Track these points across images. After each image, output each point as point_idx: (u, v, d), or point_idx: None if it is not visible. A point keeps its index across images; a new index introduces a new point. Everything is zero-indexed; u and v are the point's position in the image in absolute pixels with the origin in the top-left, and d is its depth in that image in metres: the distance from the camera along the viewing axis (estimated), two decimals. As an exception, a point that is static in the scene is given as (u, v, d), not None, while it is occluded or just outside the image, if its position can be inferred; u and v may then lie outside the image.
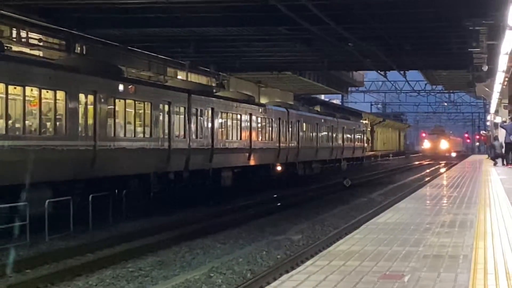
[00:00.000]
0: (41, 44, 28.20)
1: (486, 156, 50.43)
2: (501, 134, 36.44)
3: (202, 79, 42.25)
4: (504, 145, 34.24)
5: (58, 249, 18.56)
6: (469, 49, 30.15)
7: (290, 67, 45.43)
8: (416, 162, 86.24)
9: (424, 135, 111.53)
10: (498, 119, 47.36)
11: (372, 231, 10.87)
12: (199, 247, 19.81)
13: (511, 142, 32.19)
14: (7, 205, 18.93)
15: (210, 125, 32.54)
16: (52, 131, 22.01)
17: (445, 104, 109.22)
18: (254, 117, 38.11)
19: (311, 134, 49.10)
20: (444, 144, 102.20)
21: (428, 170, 61.50)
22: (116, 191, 24.50)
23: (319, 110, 58.59)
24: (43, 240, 19.67)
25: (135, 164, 26.01)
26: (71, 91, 22.58)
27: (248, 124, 37.36)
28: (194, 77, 41.39)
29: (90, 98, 23.62)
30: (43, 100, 21.41)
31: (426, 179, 42.83)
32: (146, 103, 27.07)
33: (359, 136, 65.03)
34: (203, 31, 31.19)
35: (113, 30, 30.63)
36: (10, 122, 20.31)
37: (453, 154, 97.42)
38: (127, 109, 26.01)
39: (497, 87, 35.14)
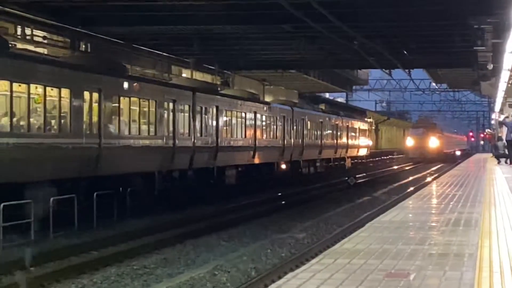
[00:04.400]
0: (45, 41, 28.21)
1: (491, 154, 50.40)
2: (504, 132, 36.35)
3: (207, 77, 42.24)
4: (506, 143, 34.16)
5: (63, 247, 18.56)
6: (474, 48, 30.06)
7: (295, 65, 45.42)
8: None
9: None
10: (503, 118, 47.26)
11: (377, 230, 10.85)
12: (204, 245, 19.81)
13: None
14: (12, 202, 18.93)
15: (214, 123, 32.53)
16: (57, 129, 22.02)
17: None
18: (258, 115, 38.08)
19: (315, 132, 49.06)
20: (433, 142, 79.87)
21: (433, 168, 61.40)
22: (121, 189, 24.51)
23: (323, 108, 58.54)
24: (47, 238, 19.69)
25: (139, 162, 26.00)
26: (76, 88, 22.59)
27: (253, 122, 37.34)
28: (198, 75, 41.40)
29: (95, 96, 23.62)
30: (47, 98, 21.41)
31: (431, 177, 42.78)
32: (150, 101, 27.07)
33: (364, 135, 64.97)
34: (208, 29, 31.20)
35: (118, 28, 30.65)
36: (14, 119, 20.31)
37: (458, 153, 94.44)
38: (131, 107, 26.01)
39: (502, 85, 35.05)
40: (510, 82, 34.93)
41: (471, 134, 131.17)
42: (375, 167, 67.51)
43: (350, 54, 37.74)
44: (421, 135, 79.76)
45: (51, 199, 20.42)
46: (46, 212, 19.98)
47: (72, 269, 16.10)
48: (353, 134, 60.32)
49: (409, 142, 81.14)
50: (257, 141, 37.53)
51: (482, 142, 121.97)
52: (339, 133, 55.34)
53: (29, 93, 20.56)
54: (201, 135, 31.05)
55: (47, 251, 18.00)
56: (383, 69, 47.90)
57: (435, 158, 76.06)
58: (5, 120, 19.97)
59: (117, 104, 25.02)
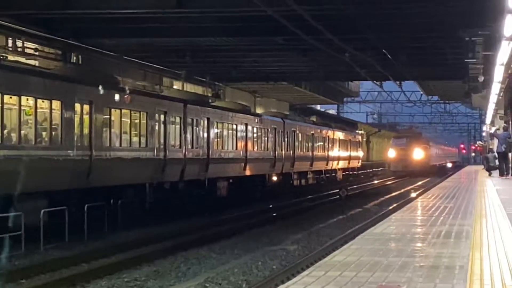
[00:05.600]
0: (37, 53, 28.17)
1: (482, 167, 50.49)
2: (495, 144, 36.43)
3: (198, 89, 42.23)
4: (497, 155, 34.20)
5: (53, 259, 18.51)
6: (465, 60, 30.08)
7: (286, 77, 45.46)
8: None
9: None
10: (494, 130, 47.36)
11: (368, 242, 10.84)
12: (195, 257, 19.78)
13: (503, 151, 32.16)
14: (2, 215, 18.86)
15: (205, 135, 32.53)
16: (48, 141, 21.98)
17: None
18: (249, 127, 38.10)
19: (306, 144, 49.09)
20: (418, 154, 72.06)
21: (425, 180, 61.44)
22: (112, 201, 24.47)
23: (314, 120, 58.62)
24: (38, 250, 19.63)
25: (130, 174, 25.98)
26: (67, 100, 22.57)
27: (244, 134, 37.35)
28: (190, 87, 41.39)
29: (86, 107, 23.60)
30: (38, 110, 21.38)
31: (422, 189, 42.79)
32: (141, 113, 27.06)
33: (355, 147, 65.00)
34: (199, 41, 31.21)
35: (109, 39, 30.63)
36: (5, 131, 20.27)
37: (449, 165, 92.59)
38: (123, 119, 26.00)
39: (493, 97, 35.16)
40: (501, 95, 35.03)
41: (462, 146, 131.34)
42: (367, 179, 67.53)
43: (342, 66, 37.76)
44: (405, 146, 72.21)
45: (42, 211, 20.37)
46: (36, 224, 19.92)
47: (62, 282, 16.04)
48: (344, 146, 60.36)
49: (391, 153, 73.66)
50: (248, 153, 37.53)
51: (473, 154, 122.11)
52: (330, 145, 55.37)
53: (20, 105, 20.54)
54: (192, 147, 31.04)
55: (38, 263, 17.94)
56: (374, 81, 47.94)
57: (420, 172, 69.46)
58: (-4, 132, 19.93)
59: (108, 116, 25.00)
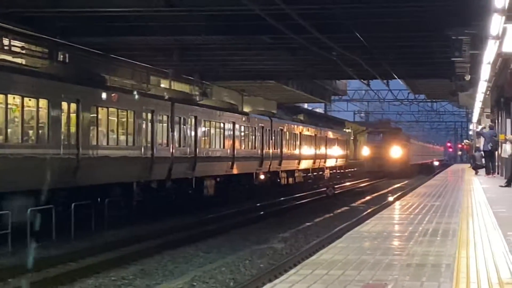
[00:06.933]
0: (24, 52, 28.10)
1: (469, 165, 50.63)
2: (482, 143, 36.56)
3: (185, 88, 42.20)
4: (483, 154, 34.33)
5: (40, 258, 18.46)
6: (451, 59, 30.24)
7: (274, 76, 45.46)
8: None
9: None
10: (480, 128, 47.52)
11: (355, 240, 10.87)
12: (182, 256, 19.77)
13: (489, 150, 32.29)
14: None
15: (193, 133, 32.50)
16: (35, 139, 21.92)
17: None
18: (237, 126, 38.10)
19: (294, 142, 49.13)
20: (396, 152, 64.20)
21: (415, 178, 61.50)
22: (99, 199, 24.43)
23: (302, 118, 58.63)
24: (25, 249, 19.57)
25: (117, 172, 25.94)
26: (54, 99, 22.51)
27: (231, 132, 37.35)
28: (177, 86, 41.35)
29: (73, 106, 23.55)
30: (25, 108, 21.32)
31: (409, 187, 42.91)
32: (129, 111, 27.02)
33: (342, 145, 65.01)
34: (186, 39, 31.18)
35: (96, 38, 30.56)
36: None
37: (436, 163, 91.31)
38: (110, 118, 25.95)
39: (480, 96, 35.27)
40: (487, 93, 35.15)
41: (449, 144, 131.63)
42: (354, 177, 67.59)
43: (329, 65, 37.84)
44: (381, 142, 64.25)
45: (29, 210, 20.31)
46: (23, 223, 19.86)
47: (49, 281, 16.01)
48: (331, 144, 60.39)
49: (365, 151, 65.94)
50: (235, 152, 37.52)
51: (460, 153, 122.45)
52: (317, 144, 55.42)
53: (6, 104, 20.47)
54: (179, 146, 31.01)
55: (25, 262, 17.89)
56: (362, 80, 48.02)
57: (398, 173, 62.52)
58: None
59: (95, 115, 24.96)
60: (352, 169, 71.18)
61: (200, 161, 32.79)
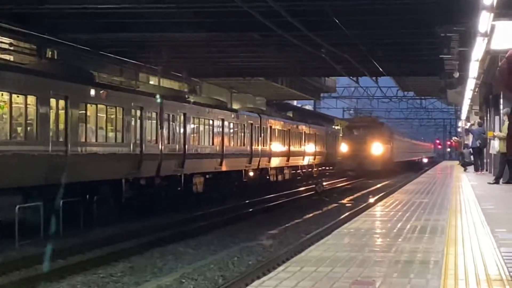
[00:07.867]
0: (12, 48, 28.01)
1: (457, 162, 50.76)
2: (471, 140, 36.63)
3: (174, 85, 42.15)
4: (472, 151, 34.43)
5: (29, 255, 18.42)
6: (440, 56, 30.30)
7: (263, 73, 45.44)
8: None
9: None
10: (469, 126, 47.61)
11: (344, 237, 10.87)
12: (171, 253, 19.76)
13: (478, 147, 32.38)
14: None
15: (182, 130, 32.49)
16: (23, 136, 21.85)
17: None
18: (226, 123, 38.10)
19: (283, 139, 49.15)
20: (377, 149, 58.54)
21: (401, 176, 61.54)
22: (87, 196, 24.38)
23: (291, 115, 58.62)
24: (13, 246, 19.52)
25: (106, 169, 25.89)
26: (42, 96, 22.45)
27: (220, 129, 37.34)
28: (166, 83, 41.29)
29: (62, 103, 23.49)
30: (13, 105, 21.26)
31: (398, 185, 42.99)
32: (118, 108, 26.98)
33: (332, 142, 65.02)
34: (175, 36, 31.12)
35: (85, 35, 30.48)
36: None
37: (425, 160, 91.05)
38: (98, 114, 25.91)
39: (468, 93, 35.32)
40: (476, 90, 35.22)
41: (437, 141, 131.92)
42: (343, 174, 67.61)
43: (318, 62, 37.83)
44: (360, 138, 58.87)
45: (17, 207, 20.26)
46: (11, 220, 19.81)
47: (38, 278, 15.97)
48: (321, 141, 60.38)
49: (343, 148, 59.86)
50: (224, 149, 37.52)
51: (448, 150, 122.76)
52: (307, 141, 55.43)
53: (-6, 100, 20.41)
54: (168, 143, 30.99)
55: (13, 259, 17.86)
56: (351, 77, 48.05)
57: (379, 172, 57.26)
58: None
59: (84, 111, 24.91)
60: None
61: (189, 158, 32.77)
